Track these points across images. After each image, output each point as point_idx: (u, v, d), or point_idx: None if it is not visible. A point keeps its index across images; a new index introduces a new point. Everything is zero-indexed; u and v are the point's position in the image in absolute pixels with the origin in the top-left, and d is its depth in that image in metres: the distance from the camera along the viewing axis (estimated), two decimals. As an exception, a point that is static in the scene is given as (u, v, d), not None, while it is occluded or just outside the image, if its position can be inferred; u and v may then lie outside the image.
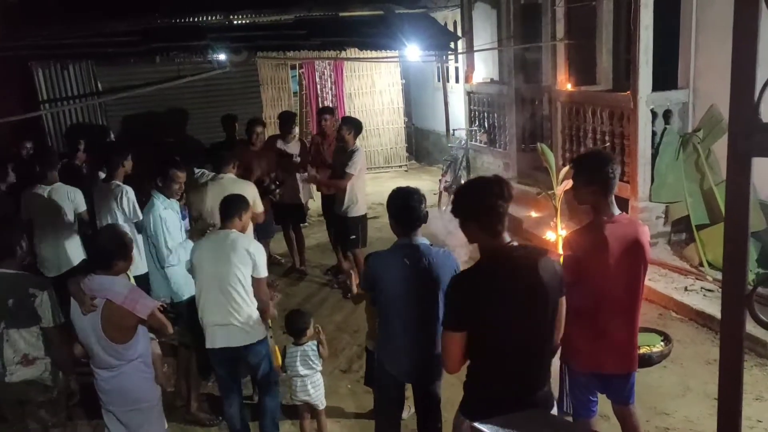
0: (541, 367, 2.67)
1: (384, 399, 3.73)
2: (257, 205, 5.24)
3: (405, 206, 3.39)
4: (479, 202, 2.56)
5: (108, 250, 3.34)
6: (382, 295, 3.45)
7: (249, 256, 3.90)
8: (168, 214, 4.60)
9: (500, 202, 2.54)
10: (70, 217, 5.44)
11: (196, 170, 6.01)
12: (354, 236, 6.55)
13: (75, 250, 5.49)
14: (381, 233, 7.49)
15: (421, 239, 3.39)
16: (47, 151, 5.80)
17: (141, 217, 4.94)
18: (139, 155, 5.61)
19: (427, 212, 3.42)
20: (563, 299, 2.72)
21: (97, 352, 3.37)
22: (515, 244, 2.60)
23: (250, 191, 5.09)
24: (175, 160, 4.82)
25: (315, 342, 4.20)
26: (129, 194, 5.15)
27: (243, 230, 4.06)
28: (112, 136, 7.15)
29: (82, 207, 5.48)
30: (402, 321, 3.43)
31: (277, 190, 6.58)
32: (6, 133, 7.67)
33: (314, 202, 7.73)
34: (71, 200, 5.43)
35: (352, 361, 5.45)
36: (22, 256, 3.65)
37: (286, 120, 7.44)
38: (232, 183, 5.23)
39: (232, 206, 4.03)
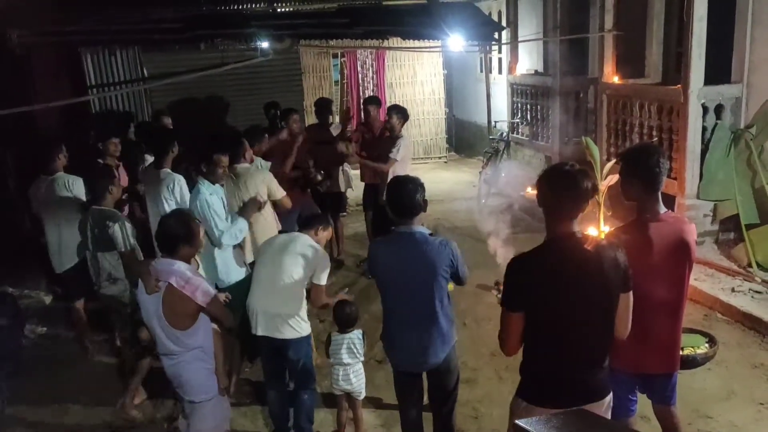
0: (594, 356, 2.69)
1: (399, 387, 3.75)
2: (273, 192, 5.25)
3: (399, 195, 3.41)
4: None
5: (173, 234, 3.35)
6: (380, 283, 3.50)
7: (309, 261, 3.99)
8: (213, 199, 4.65)
9: (569, 192, 2.58)
10: (72, 207, 5.32)
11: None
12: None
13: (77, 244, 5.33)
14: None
15: (419, 228, 3.41)
16: (50, 142, 5.81)
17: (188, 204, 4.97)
18: (183, 142, 5.63)
19: (425, 201, 3.44)
20: (628, 295, 2.72)
21: (159, 336, 3.39)
22: (580, 234, 2.62)
23: (259, 178, 5.19)
24: (218, 144, 4.86)
25: (361, 331, 4.23)
26: (181, 183, 5.18)
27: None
28: (169, 121, 7.22)
29: (83, 197, 5.38)
30: (399, 309, 3.46)
31: (324, 180, 6.63)
32: (57, 117, 7.87)
33: (353, 192, 7.79)
34: (69, 189, 5.38)
35: (388, 352, 5.48)
36: (114, 197, 4.63)
37: (323, 107, 7.41)
38: (244, 172, 5.24)
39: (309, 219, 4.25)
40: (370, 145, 6.94)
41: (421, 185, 3.46)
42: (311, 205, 6.63)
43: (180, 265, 3.31)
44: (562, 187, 2.60)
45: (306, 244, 4.05)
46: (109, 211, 4.57)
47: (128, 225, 4.56)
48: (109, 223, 4.45)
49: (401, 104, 8.59)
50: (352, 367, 4.22)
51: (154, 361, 4.36)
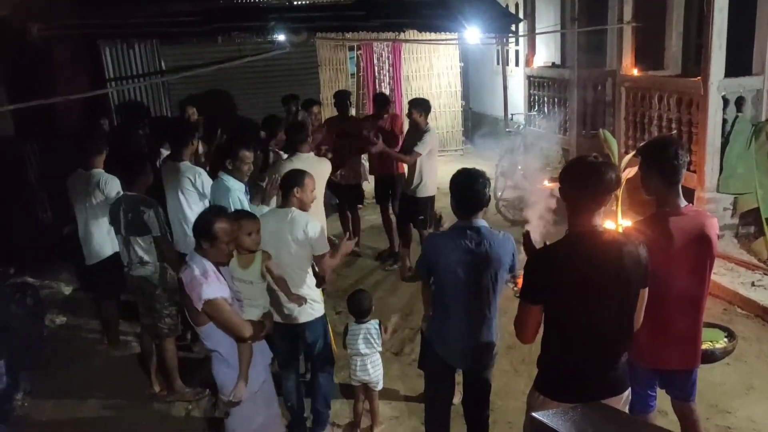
0: (613, 351, 2.68)
1: (434, 384, 3.71)
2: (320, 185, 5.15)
3: (470, 188, 3.33)
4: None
5: (195, 228, 3.33)
6: (438, 278, 3.41)
7: (306, 235, 3.88)
8: (240, 195, 4.65)
9: (593, 185, 2.54)
10: (100, 204, 5.26)
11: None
12: (422, 216, 6.46)
13: (104, 242, 5.35)
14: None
15: (482, 222, 3.36)
16: (91, 137, 5.72)
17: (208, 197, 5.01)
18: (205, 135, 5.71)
19: (489, 196, 3.39)
20: (645, 290, 2.72)
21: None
22: (601, 228, 2.61)
23: (327, 167, 5.29)
24: (243, 139, 4.86)
25: (377, 320, 4.23)
26: (203, 176, 5.15)
27: (303, 207, 4.01)
28: (194, 111, 7.28)
29: (113, 193, 5.19)
30: (458, 305, 3.40)
31: (338, 172, 6.56)
32: (77, 110, 7.93)
33: (368, 184, 7.76)
34: (102, 188, 5.24)
35: (404, 344, 5.48)
36: (146, 184, 4.68)
37: (342, 99, 7.45)
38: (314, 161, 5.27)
39: (286, 183, 4.02)
40: (386, 139, 6.82)
41: (489, 180, 3.41)
42: (328, 196, 6.60)
43: (196, 260, 3.26)
44: (586, 180, 2.57)
45: (295, 218, 3.91)
46: (142, 197, 4.64)
47: (161, 210, 4.66)
48: (144, 208, 4.54)
49: (418, 97, 8.57)
50: (370, 358, 4.22)
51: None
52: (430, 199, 6.67)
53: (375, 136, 6.50)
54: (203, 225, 3.28)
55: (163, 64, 9.26)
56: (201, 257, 3.26)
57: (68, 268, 6.94)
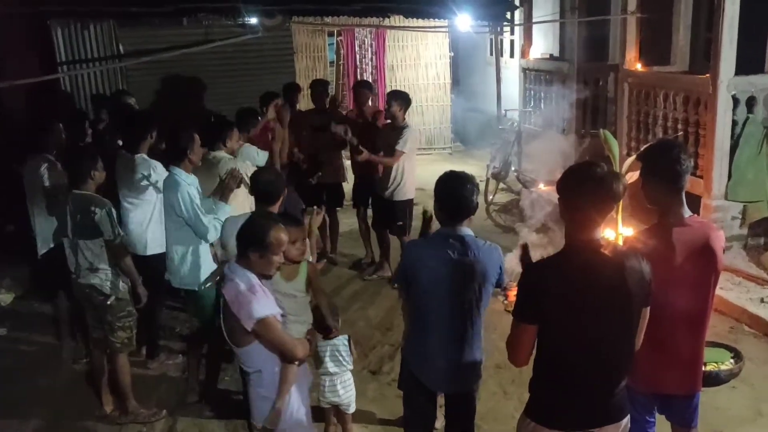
0: (612, 375, 2.69)
1: (413, 409, 3.70)
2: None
3: (457, 194, 3.32)
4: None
5: (244, 236, 3.23)
6: (417, 289, 3.40)
7: None
8: (194, 192, 4.65)
9: (597, 197, 2.55)
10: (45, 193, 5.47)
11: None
12: (401, 222, 6.57)
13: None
14: (418, 221, 7.31)
15: (467, 230, 3.35)
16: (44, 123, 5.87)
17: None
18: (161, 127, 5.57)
19: (477, 203, 3.39)
20: (648, 309, 2.74)
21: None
22: (603, 241, 2.61)
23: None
24: (191, 130, 4.84)
25: (346, 336, 4.19)
26: (158, 170, 5.15)
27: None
28: (133, 101, 7.27)
29: (47, 181, 5.47)
30: (438, 320, 3.38)
31: (316, 172, 6.59)
32: (21, 96, 7.80)
33: (347, 185, 7.70)
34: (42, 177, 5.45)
35: (383, 362, 5.45)
36: (97, 182, 4.59)
37: (319, 89, 7.38)
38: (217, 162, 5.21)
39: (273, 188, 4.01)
40: (363, 133, 6.81)
41: (477, 185, 3.41)
42: (296, 201, 6.52)
43: (238, 273, 3.19)
44: (589, 192, 2.56)
45: None
46: (92, 195, 4.53)
47: (114, 211, 4.57)
48: (95, 208, 4.42)
49: (402, 89, 8.56)
50: (340, 377, 4.20)
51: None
52: (409, 203, 6.68)
53: (345, 132, 6.47)
54: (257, 233, 3.19)
55: (120, 47, 9.10)
56: (244, 269, 3.19)
57: (9, 273, 6.86)
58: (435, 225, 3.55)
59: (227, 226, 4.13)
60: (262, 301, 3.13)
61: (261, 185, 3.98)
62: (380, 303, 6.59)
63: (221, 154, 5.32)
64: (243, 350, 3.25)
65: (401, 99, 6.54)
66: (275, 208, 3.97)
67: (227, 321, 3.21)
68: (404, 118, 6.53)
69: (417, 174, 6.82)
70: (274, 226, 3.22)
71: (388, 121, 6.65)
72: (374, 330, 6.01)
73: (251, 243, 3.19)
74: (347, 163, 7.63)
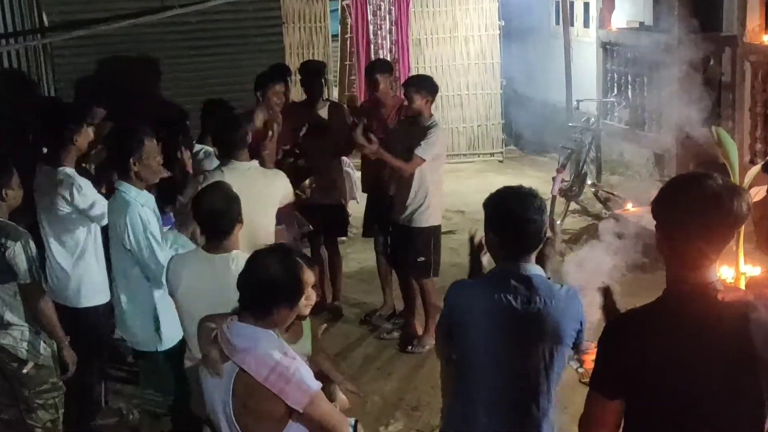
0: None
1: None
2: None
3: (517, 217, 3.26)
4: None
5: (269, 284, 3.07)
6: (463, 349, 3.39)
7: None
8: (148, 215, 4.52)
9: (709, 220, 2.46)
10: None
11: (196, 146, 6.03)
12: (423, 258, 6.36)
13: None
14: (460, 257, 6.99)
15: (535, 268, 3.29)
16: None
17: (103, 221, 4.96)
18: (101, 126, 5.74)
19: (546, 229, 3.38)
20: None
21: None
22: (719, 284, 2.51)
23: (282, 184, 5.31)
24: (141, 128, 4.69)
25: (354, 419, 3.87)
26: (85, 188, 5.03)
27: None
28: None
29: None
30: (491, 394, 3.35)
31: (311, 185, 6.48)
32: None
33: (357, 205, 7.51)
34: None
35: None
36: (10, 204, 4.50)
37: (313, 74, 7.11)
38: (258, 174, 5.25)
39: (225, 216, 4.08)
40: (380, 132, 6.59)
41: (545, 204, 3.40)
42: (292, 219, 6.41)
43: (265, 338, 3.07)
44: (699, 214, 2.46)
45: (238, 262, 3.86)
46: (4, 223, 4.44)
47: (33, 245, 4.48)
48: (5, 241, 4.35)
49: (435, 72, 8.45)
50: None
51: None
52: (433, 231, 6.45)
53: (354, 126, 6.29)
54: (287, 278, 3.09)
55: (45, 18, 8.94)
56: (265, 330, 3.10)
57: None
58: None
59: (175, 269, 4.16)
60: (305, 368, 3.11)
61: (208, 215, 4.11)
62: (401, 370, 6.40)
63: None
64: None
65: (426, 88, 6.29)
66: (233, 243, 4.07)
67: (247, 407, 3.07)
68: (430, 114, 6.30)
69: (455, 190, 6.80)
70: (302, 264, 3.20)
71: (403, 116, 6.53)
72: (396, 409, 5.86)
73: (282, 295, 3.10)
74: (356, 175, 7.53)
